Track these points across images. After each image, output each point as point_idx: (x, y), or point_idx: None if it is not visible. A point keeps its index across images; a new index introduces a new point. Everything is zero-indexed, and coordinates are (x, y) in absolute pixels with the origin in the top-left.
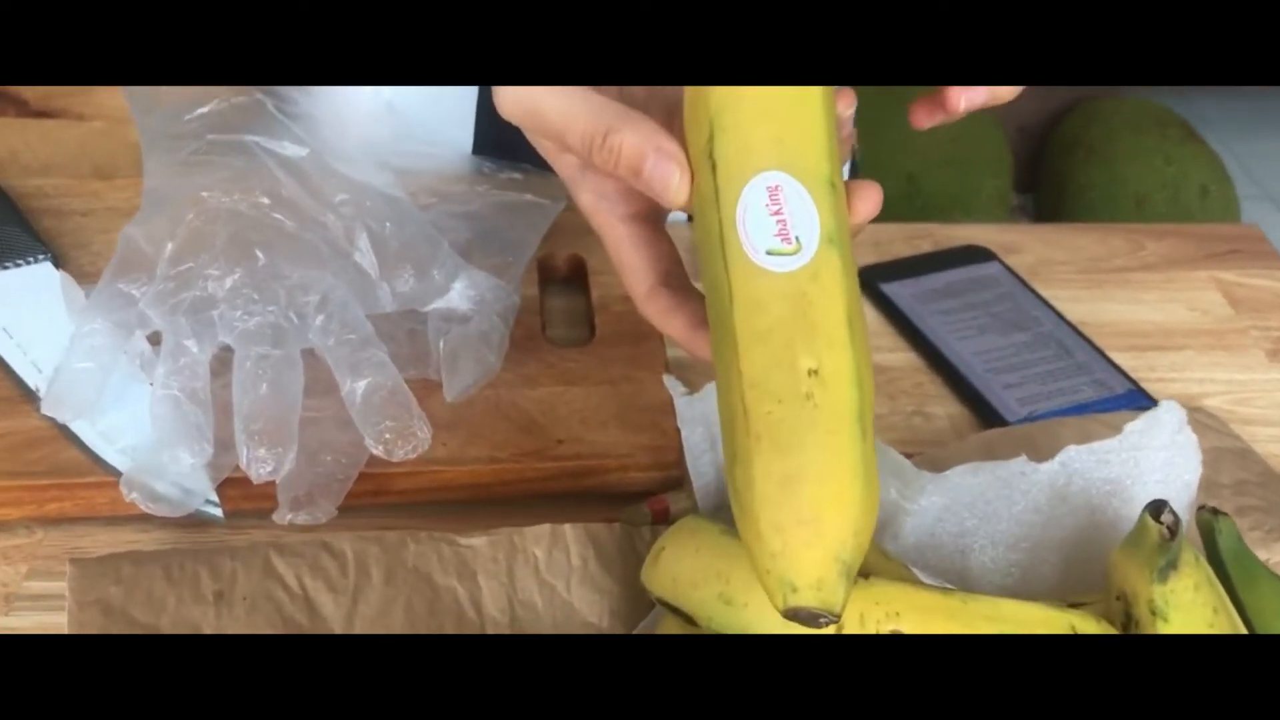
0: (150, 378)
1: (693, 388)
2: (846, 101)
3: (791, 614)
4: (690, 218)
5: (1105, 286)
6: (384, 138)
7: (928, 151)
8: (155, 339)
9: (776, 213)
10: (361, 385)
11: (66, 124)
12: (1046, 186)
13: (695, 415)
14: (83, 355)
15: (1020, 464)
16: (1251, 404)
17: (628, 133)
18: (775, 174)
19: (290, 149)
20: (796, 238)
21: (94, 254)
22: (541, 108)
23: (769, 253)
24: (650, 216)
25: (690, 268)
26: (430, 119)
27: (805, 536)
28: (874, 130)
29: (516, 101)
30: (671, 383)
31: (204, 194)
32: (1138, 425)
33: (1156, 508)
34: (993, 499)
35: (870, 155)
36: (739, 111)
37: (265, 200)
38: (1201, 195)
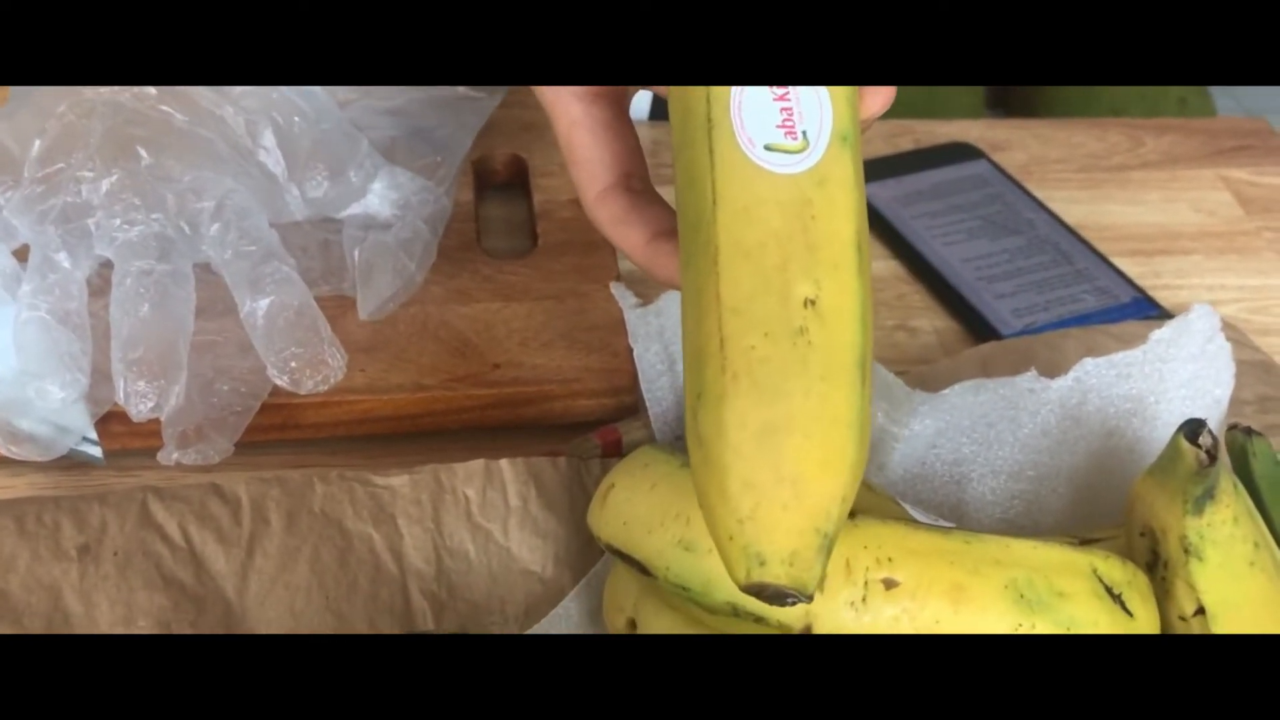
0: (15, 297)
1: (647, 299)
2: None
3: (755, 590)
4: (653, 106)
5: (1104, 186)
6: None
7: None
8: (23, 253)
9: (782, 98)
10: (263, 304)
11: None
12: (1017, 101)
13: (650, 331)
14: None
15: (1029, 380)
16: (1269, 312)
17: None
18: None
19: None
20: (804, 132)
21: None
22: None
23: (768, 147)
24: (614, 97)
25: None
26: None
27: (783, 498)
28: None
29: None
30: (621, 292)
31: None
32: (1164, 334)
33: (1193, 429)
34: (995, 421)
35: None
36: None
37: (151, 90)
38: (1180, 106)
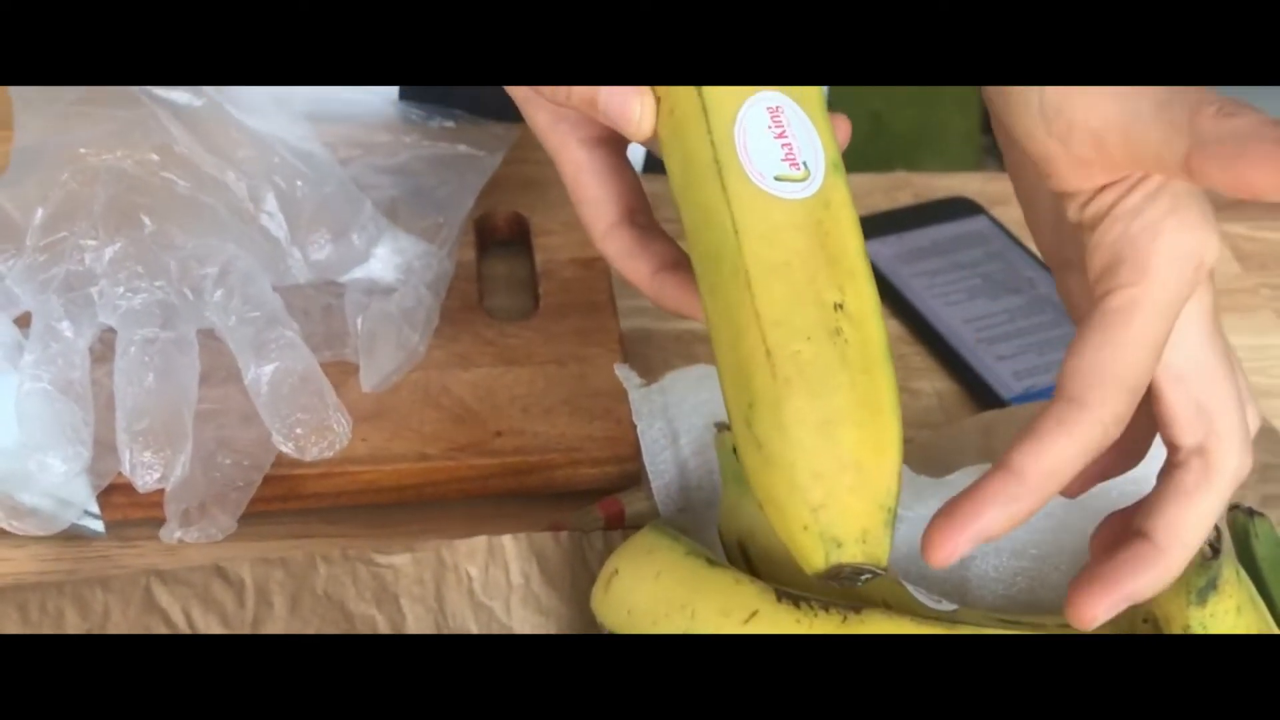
0: (17, 367)
1: (650, 368)
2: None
3: (834, 573)
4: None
5: None
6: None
7: (893, 89)
8: (25, 320)
9: (781, 135)
10: (268, 370)
11: None
12: None
13: (654, 408)
14: None
15: None
16: (1268, 373)
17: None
18: (773, 94)
19: (183, 98)
20: (804, 163)
21: None
22: None
23: (778, 179)
24: (614, 141)
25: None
26: None
27: (849, 483)
28: None
29: None
30: (625, 373)
31: (82, 150)
32: None
33: None
34: None
35: (834, 94)
36: None
37: (154, 157)
38: None
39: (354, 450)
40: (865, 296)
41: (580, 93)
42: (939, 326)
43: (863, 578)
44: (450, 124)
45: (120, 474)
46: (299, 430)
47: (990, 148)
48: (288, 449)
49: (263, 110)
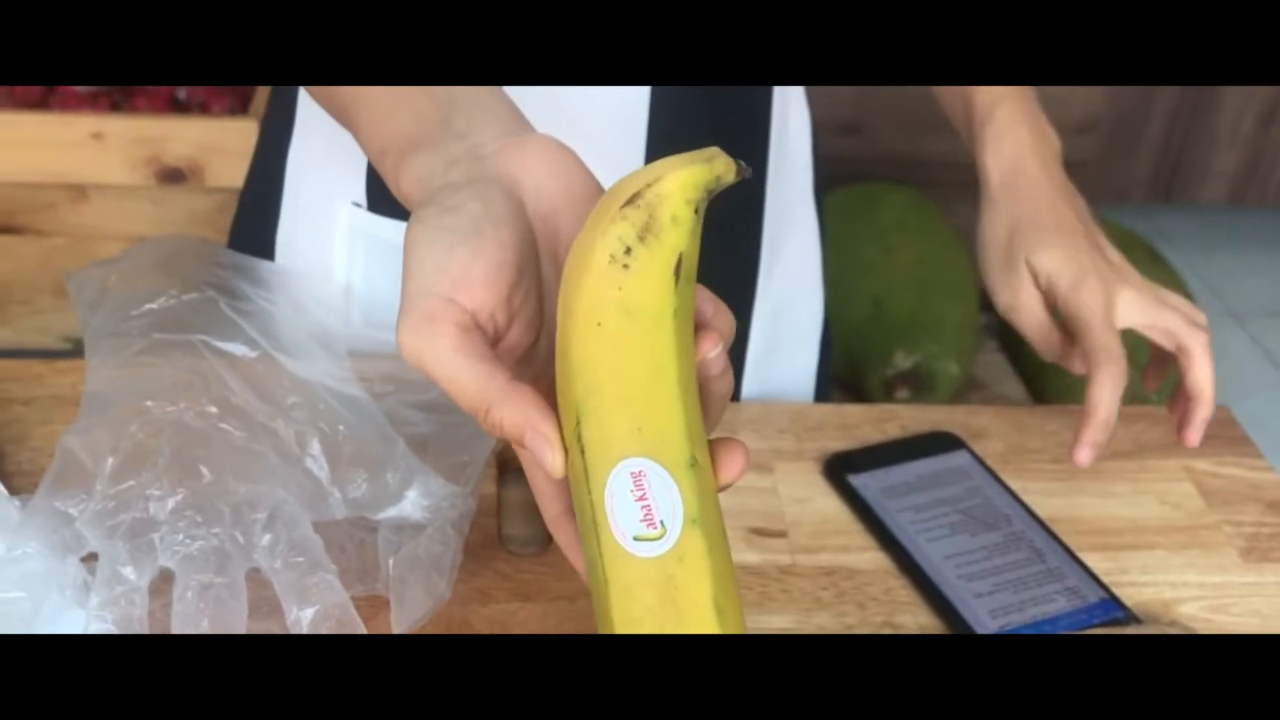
0: (83, 605)
1: None
2: (711, 342)
3: None
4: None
5: (1078, 478)
6: (343, 325)
7: (894, 275)
8: (90, 559)
9: (641, 498)
10: (309, 614)
11: (28, 240)
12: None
13: None
14: (13, 584)
15: None
16: (1228, 611)
17: (507, 410)
18: (638, 460)
19: (240, 349)
20: (661, 521)
21: (33, 450)
22: (433, 373)
23: (636, 539)
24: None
25: None
26: (392, 302)
27: None
28: (841, 254)
29: (413, 357)
30: None
31: (148, 403)
32: None
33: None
34: None
35: (837, 279)
36: (601, 399)
37: (213, 409)
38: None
39: None
40: None
41: (510, 428)
42: (922, 563)
43: None
44: None
45: None
46: None
47: (988, 326)
48: None
49: (310, 354)
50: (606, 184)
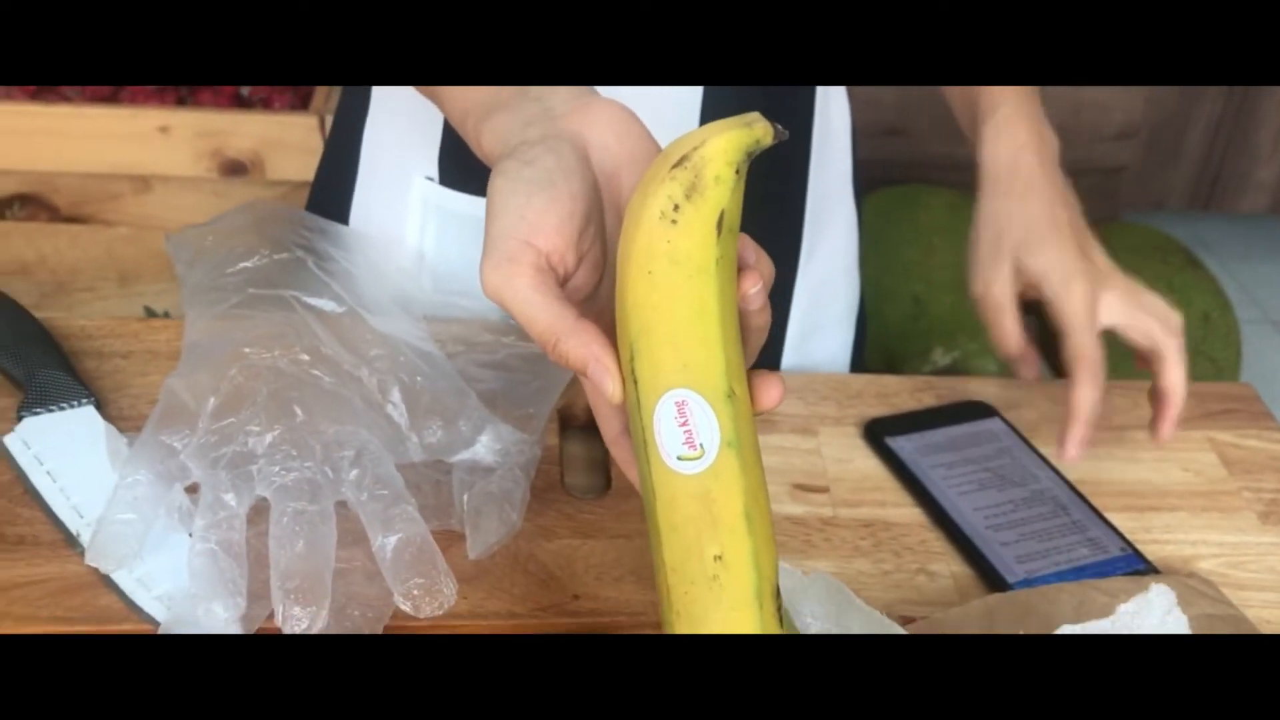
0: (187, 528)
1: None
2: (752, 280)
3: None
4: None
5: (1105, 445)
6: (417, 290)
7: (934, 275)
8: (192, 489)
9: (683, 424)
10: (392, 541)
11: (94, 229)
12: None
13: None
14: (125, 507)
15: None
16: (1244, 568)
17: (573, 343)
18: (681, 391)
19: (328, 305)
20: (700, 444)
21: (133, 397)
22: (510, 308)
23: (679, 458)
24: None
25: None
26: (461, 271)
27: None
28: (882, 255)
29: (493, 292)
30: None
31: (246, 350)
32: (1129, 607)
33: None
34: None
35: (878, 278)
36: (651, 338)
37: (305, 357)
38: (1204, 322)
39: (456, 607)
40: (742, 549)
41: (575, 359)
42: (953, 515)
43: None
44: None
45: (266, 619)
46: (416, 593)
47: (1025, 328)
48: (406, 608)
49: (390, 313)
50: None
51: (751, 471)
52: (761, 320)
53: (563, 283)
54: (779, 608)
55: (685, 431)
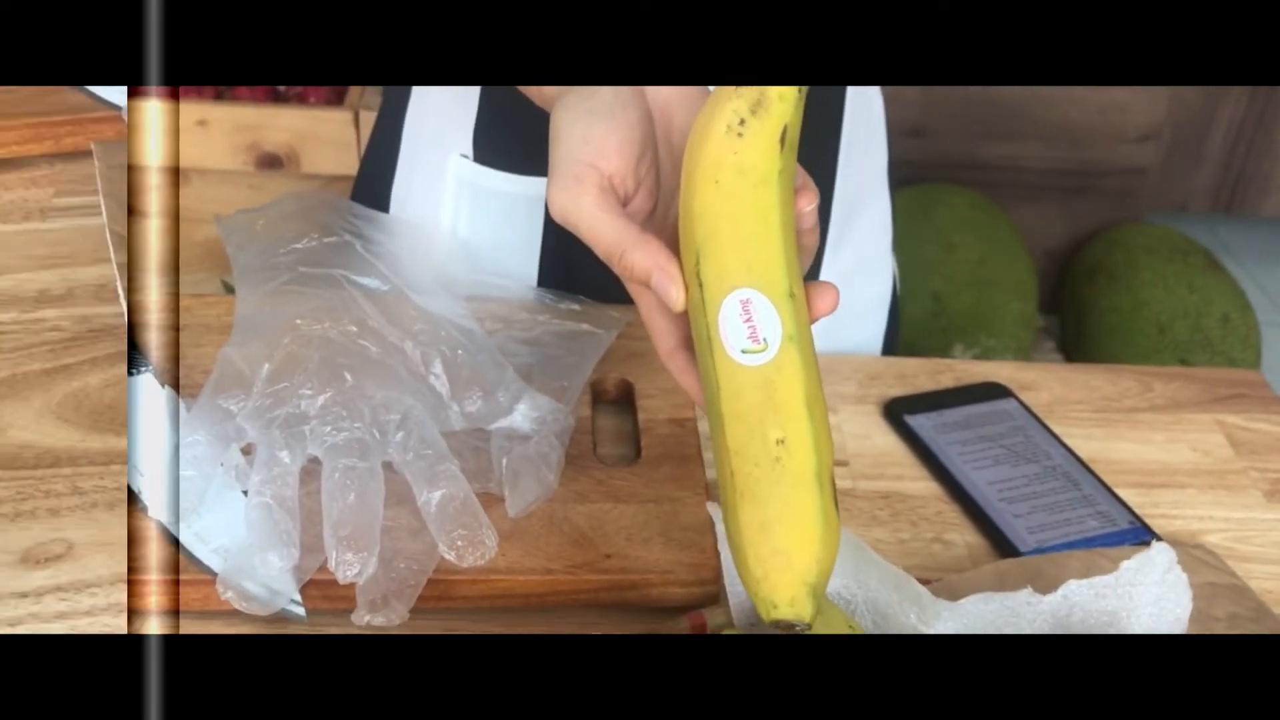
0: (243, 485)
1: None
2: (807, 199)
3: (774, 625)
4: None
5: (1116, 426)
6: (458, 271)
7: (954, 273)
8: (246, 450)
9: (747, 320)
10: (437, 495)
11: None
12: (1069, 310)
13: None
14: (186, 464)
15: (1026, 595)
16: (1249, 542)
17: (638, 254)
18: (746, 290)
19: (374, 283)
20: (764, 338)
21: (187, 367)
22: (577, 225)
23: (743, 351)
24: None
25: None
26: (500, 254)
27: (779, 566)
28: (904, 252)
29: (560, 212)
30: (714, 509)
31: (298, 321)
32: (1132, 564)
33: None
34: (1001, 626)
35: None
36: (717, 242)
37: (353, 328)
38: (1223, 323)
39: (495, 563)
40: (802, 434)
41: (639, 270)
42: (969, 488)
43: (796, 628)
44: (576, 306)
45: (318, 570)
46: (459, 543)
47: (1046, 329)
48: (450, 557)
49: (432, 292)
50: None
51: (811, 367)
52: (811, 240)
53: (623, 205)
54: (834, 494)
55: (749, 327)
